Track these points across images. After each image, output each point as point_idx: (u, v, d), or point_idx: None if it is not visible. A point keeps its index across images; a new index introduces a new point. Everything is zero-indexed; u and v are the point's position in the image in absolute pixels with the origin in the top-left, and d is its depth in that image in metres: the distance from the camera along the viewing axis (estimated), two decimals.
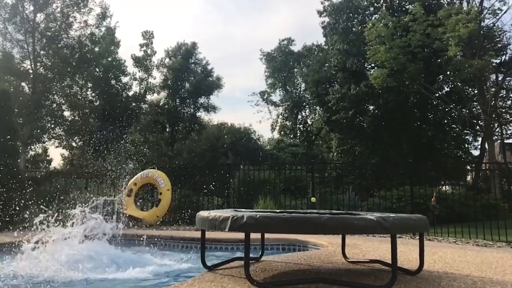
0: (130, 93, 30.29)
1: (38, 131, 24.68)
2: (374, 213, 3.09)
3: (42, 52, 23.95)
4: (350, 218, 2.60)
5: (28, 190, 8.56)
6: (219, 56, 55.32)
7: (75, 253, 4.25)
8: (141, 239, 6.08)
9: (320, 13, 25.52)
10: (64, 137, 27.43)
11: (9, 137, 8.87)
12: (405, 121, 21.70)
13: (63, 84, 24.66)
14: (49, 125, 25.64)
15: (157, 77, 32.56)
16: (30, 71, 23.57)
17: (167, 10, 55.24)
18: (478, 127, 21.71)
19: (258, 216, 2.59)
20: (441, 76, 22.41)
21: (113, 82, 28.96)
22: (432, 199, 8.47)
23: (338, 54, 23.56)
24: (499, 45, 20.23)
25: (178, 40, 45.58)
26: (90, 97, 28.59)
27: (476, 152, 24.20)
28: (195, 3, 55.30)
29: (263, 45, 65.43)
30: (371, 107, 24.17)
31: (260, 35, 55.66)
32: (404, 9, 22.11)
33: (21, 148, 18.97)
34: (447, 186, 15.17)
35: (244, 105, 67.43)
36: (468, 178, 19.32)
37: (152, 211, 8.92)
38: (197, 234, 5.14)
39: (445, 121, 23.17)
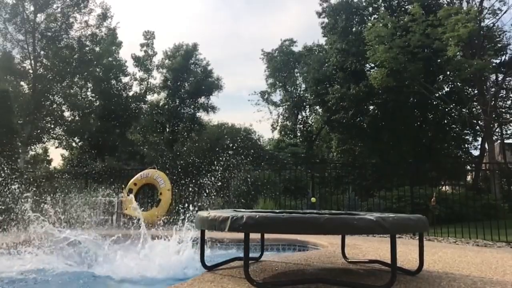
0: (130, 93, 30.32)
1: (38, 131, 24.68)
2: (373, 213, 3.09)
3: (42, 52, 23.95)
4: (350, 218, 2.59)
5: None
6: (226, 55, 54.74)
7: None
8: None
9: (319, 14, 25.57)
10: (64, 137, 27.43)
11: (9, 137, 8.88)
12: (405, 121, 21.68)
13: (63, 84, 24.66)
14: (49, 125, 25.64)
15: (157, 77, 32.58)
16: (30, 71, 23.57)
17: (174, 9, 55.08)
18: (478, 127, 21.69)
19: (257, 216, 2.59)
20: (441, 76, 22.38)
21: (113, 82, 28.99)
22: (432, 200, 8.46)
23: (338, 54, 23.55)
24: (499, 45, 20.20)
25: (181, 40, 45.53)
26: (90, 97, 28.61)
27: (476, 152, 24.20)
28: (204, 1, 54.88)
29: (271, 44, 64.58)
30: (371, 107, 24.16)
31: (268, 34, 55.09)
32: (403, 9, 22.10)
33: (21, 148, 18.96)
34: (447, 186, 15.18)
35: (248, 104, 67.05)
36: (468, 178, 19.31)
37: (152, 211, 8.93)
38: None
39: (445, 121, 23.15)
